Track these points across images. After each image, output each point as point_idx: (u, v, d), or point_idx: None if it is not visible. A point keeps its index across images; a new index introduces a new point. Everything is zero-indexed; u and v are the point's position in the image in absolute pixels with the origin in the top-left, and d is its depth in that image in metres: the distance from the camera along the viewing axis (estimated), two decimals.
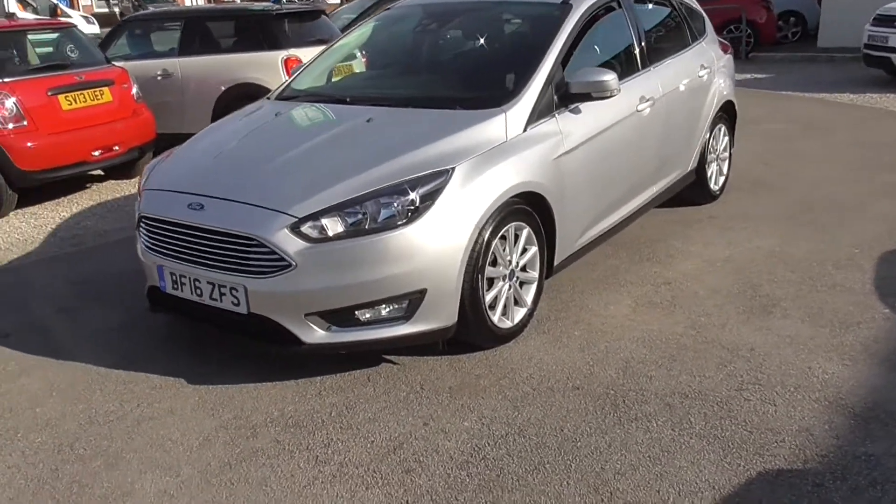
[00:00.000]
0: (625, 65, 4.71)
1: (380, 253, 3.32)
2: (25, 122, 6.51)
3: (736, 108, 6.10)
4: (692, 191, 5.75)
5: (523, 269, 3.90)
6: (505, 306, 3.80)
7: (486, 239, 3.53)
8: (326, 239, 3.31)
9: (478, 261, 3.51)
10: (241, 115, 4.52)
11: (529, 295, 3.95)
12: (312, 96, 4.56)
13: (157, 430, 3.25)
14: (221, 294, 3.48)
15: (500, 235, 3.63)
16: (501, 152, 3.68)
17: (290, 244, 3.29)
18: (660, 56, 5.06)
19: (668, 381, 3.45)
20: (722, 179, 6.07)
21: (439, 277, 3.41)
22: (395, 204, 3.36)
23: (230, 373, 3.68)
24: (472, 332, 3.65)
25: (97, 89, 7.13)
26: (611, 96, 4.05)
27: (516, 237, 3.78)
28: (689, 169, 5.53)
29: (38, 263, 5.48)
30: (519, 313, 3.90)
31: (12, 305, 4.65)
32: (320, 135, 3.92)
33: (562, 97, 4.05)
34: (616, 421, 3.16)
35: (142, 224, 3.80)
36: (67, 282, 5.02)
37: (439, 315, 3.47)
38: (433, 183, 3.42)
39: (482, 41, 4.53)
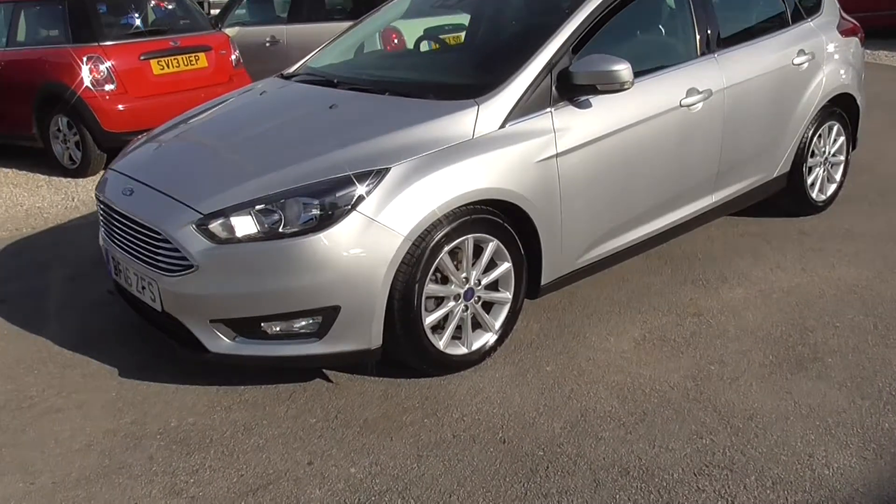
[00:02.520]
0: (670, 51, 3.94)
1: (289, 260, 2.92)
2: (115, 86, 6.68)
3: (858, 102, 5.03)
4: (786, 200, 4.84)
5: (495, 287, 3.36)
6: (460, 329, 3.29)
7: (427, 252, 3.03)
8: (234, 240, 2.96)
9: (413, 276, 3.02)
10: (237, 93, 4.25)
11: (499, 318, 3.39)
12: (311, 76, 4.16)
13: (52, 426, 3.08)
14: (143, 287, 3.25)
15: (452, 248, 3.12)
16: (460, 151, 3.13)
17: (193, 243, 2.97)
18: (732, 41, 4.18)
19: (618, 447, 2.81)
20: (832, 188, 5.05)
21: (356, 294, 2.95)
22: (317, 205, 2.94)
23: (167, 368, 3.45)
24: (407, 357, 3.18)
25: (192, 55, 7.20)
26: (621, 89, 3.35)
27: (479, 251, 3.24)
28: (777, 175, 4.61)
29: (90, 225, 5.57)
30: (480, 339, 3.36)
31: (31, 268, 4.72)
32: (272, 121, 3.56)
33: (563, 89, 3.41)
34: (520, 494, 2.59)
35: (98, 205, 3.66)
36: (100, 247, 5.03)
37: (357, 336, 3.02)
38: (362, 183, 2.96)
39: (492, 22, 3.94)
